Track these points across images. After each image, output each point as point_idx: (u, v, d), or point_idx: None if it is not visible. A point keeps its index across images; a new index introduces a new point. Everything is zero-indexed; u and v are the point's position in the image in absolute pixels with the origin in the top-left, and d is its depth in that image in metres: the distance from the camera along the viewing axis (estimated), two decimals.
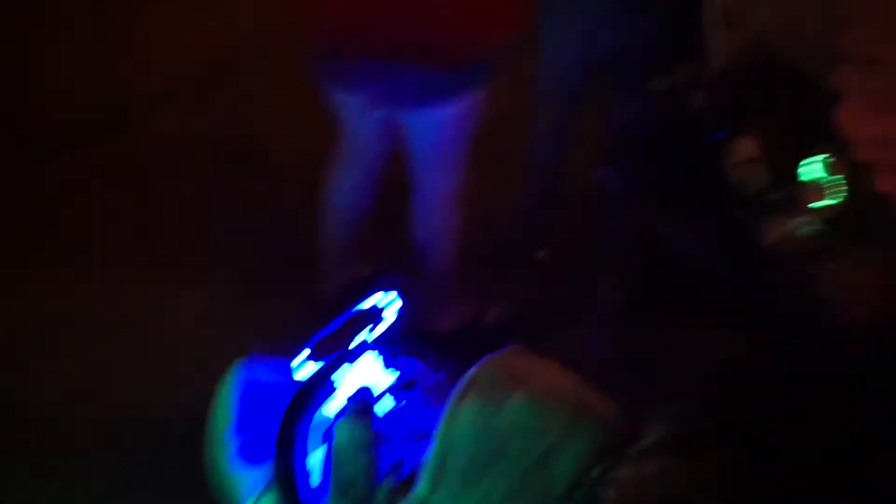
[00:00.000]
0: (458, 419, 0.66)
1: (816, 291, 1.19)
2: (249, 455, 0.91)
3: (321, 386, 0.92)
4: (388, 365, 0.91)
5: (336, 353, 0.95)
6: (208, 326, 1.84)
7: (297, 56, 1.76)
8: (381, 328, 0.93)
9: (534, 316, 1.78)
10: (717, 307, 1.30)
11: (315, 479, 0.83)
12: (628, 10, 1.31)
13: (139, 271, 2.07)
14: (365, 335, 0.91)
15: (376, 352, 0.90)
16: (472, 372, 0.70)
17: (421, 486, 0.68)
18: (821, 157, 1.32)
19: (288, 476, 0.84)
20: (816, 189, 1.28)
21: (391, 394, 0.86)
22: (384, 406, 0.86)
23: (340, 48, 1.24)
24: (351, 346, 0.91)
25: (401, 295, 0.97)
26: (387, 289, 0.90)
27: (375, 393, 0.86)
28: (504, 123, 1.87)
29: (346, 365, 0.91)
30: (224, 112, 2.85)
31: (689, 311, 1.35)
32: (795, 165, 1.35)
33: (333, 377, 0.91)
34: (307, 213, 2.18)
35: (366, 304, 0.91)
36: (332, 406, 0.89)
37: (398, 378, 0.88)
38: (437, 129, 1.37)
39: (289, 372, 1.02)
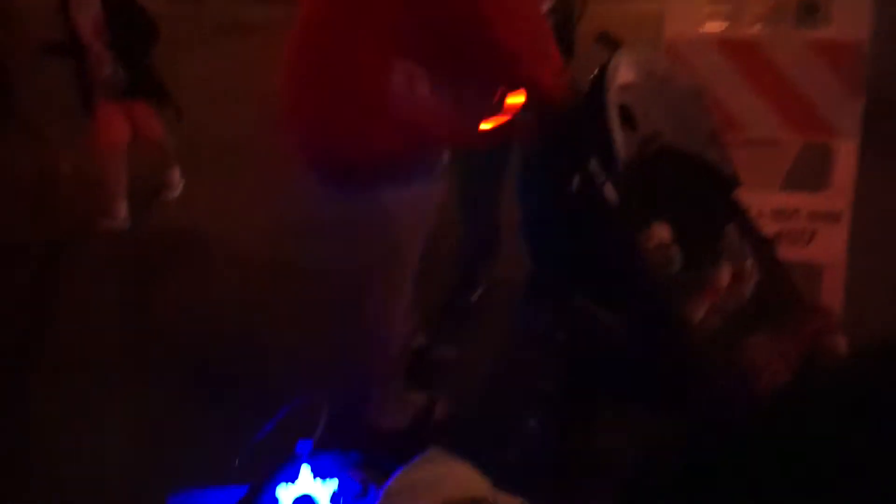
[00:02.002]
0: None
1: (738, 365, 1.25)
2: None
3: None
4: (324, 476, 0.90)
5: (272, 471, 0.94)
6: (144, 446, 1.74)
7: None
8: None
9: (467, 413, 1.78)
10: (643, 395, 1.34)
11: None
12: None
13: (78, 384, 1.97)
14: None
15: (310, 465, 0.90)
16: (386, 487, 0.69)
17: None
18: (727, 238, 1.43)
19: None
20: (728, 267, 1.37)
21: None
22: None
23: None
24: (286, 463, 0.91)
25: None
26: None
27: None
28: None
29: (284, 482, 0.89)
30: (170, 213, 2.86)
31: (617, 401, 1.39)
32: (707, 245, 1.45)
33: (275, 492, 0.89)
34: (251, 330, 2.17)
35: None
36: None
37: (337, 487, 0.87)
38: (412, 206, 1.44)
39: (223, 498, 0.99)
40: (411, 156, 1.35)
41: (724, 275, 1.36)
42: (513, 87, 1.36)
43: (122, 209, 2.72)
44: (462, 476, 0.71)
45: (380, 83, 1.25)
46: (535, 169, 1.56)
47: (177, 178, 2.94)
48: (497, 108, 1.41)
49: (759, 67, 1.91)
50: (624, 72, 1.39)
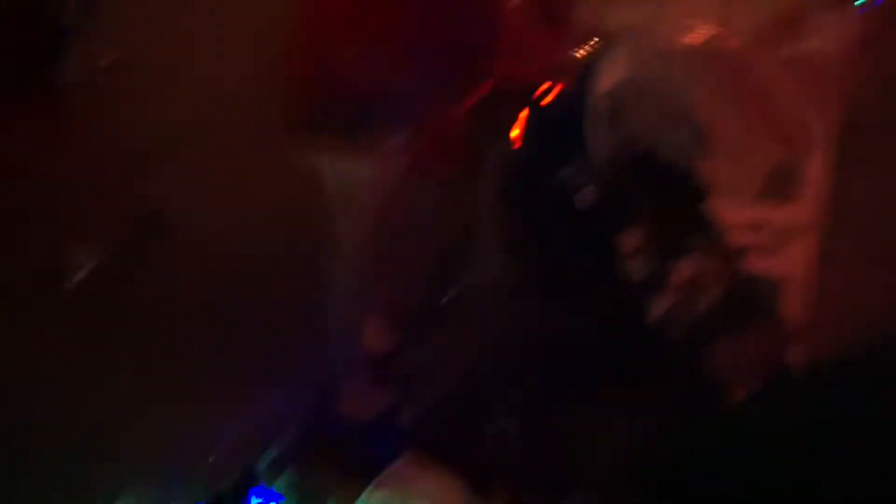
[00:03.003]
0: None
1: (704, 370, 1.27)
2: None
3: None
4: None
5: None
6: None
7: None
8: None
9: (442, 412, 1.77)
10: (615, 391, 1.36)
11: None
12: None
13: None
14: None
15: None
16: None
17: None
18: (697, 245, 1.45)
19: None
20: (688, 264, 1.39)
21: None
22: None
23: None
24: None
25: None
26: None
27: None
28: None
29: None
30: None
31: (589, 397, 1.40)
32: (676, 252, 1.47)
33: None
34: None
35: None
36: None
37: None
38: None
39: None
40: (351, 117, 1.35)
41: (684, 270, 1.38)
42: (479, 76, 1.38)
43: None
44: (439, 485, 0.69)
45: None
46: (513, 167, 1.55)
47: None
48: (459, 93, 1.42)
49: (739, 78, 1.93)
50: (611, 70, 1.39)
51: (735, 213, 1.97)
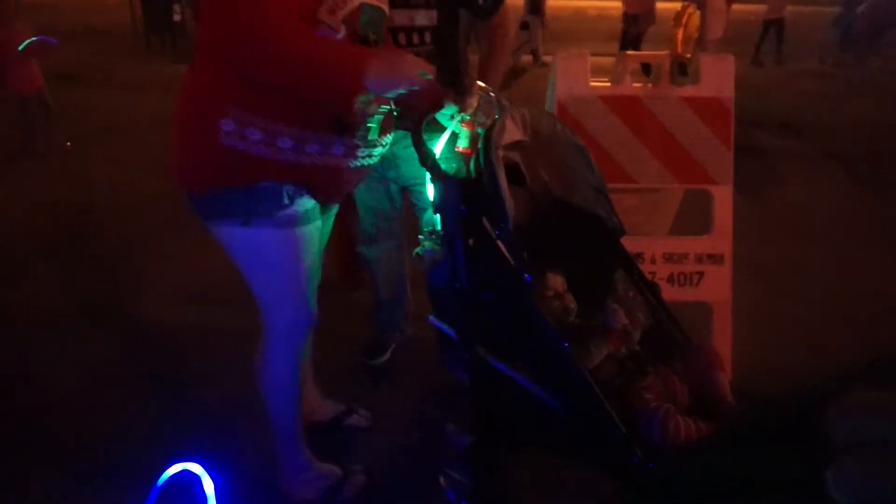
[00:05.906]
0: None
1: (634, 407, 1.29)
2: None
3: None
4: None
5: None
6: None
7: None
8: None
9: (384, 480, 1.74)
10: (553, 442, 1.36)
11: None
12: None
13: None
14: None
15: None
16: None
17: None
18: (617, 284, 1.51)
19: None
20: (622, 310, 1.43)
21: None
22: None
23: None
24: None
25: None
26: None
27: None
28: None
29: None
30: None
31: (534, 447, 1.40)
32: (598, 292, 1.51)
33: None
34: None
35: None
36: None
37: None
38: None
39: None
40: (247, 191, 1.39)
41: (620, 317, 1.41)
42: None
43: None
44: None
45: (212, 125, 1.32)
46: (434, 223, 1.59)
47: None
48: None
49: (641, 121, 2.06)
50: (510, 131, 1.46)
51: (656, 246, 2.06)
